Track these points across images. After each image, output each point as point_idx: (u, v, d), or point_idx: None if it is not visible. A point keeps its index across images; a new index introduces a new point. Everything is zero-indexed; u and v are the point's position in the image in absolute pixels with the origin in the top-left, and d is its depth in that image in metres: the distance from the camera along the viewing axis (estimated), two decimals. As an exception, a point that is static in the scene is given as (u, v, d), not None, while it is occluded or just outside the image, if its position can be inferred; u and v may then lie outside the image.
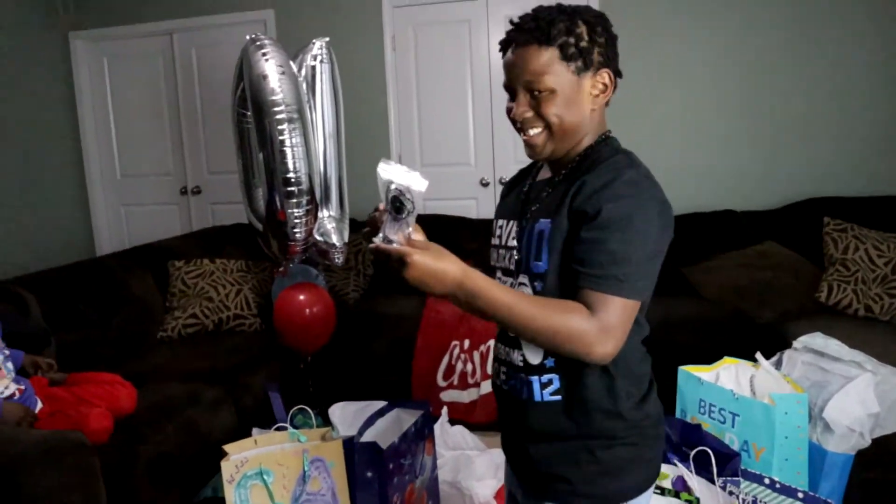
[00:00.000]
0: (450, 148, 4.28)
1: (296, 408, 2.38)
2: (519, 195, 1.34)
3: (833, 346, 2.30)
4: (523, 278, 1.22)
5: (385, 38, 4.24)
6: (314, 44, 2.88)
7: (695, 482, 1.92)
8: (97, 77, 4.80)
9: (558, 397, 1.20)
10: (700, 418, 2.17)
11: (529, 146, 1.23)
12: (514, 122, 1.23)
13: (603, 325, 1.07)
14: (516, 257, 1.24)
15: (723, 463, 1.95)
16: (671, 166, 3.97)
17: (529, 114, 1.19)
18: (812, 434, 2.15)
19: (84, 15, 4.63)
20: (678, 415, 2.24)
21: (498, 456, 2.42)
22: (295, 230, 2.69)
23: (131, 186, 4.89)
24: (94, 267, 3.37)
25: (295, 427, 2.07)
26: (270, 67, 2.53)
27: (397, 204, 1.06)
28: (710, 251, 3.59)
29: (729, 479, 1.94)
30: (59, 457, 1.88)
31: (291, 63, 2.68)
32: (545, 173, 1.32)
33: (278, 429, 2.07)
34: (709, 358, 2.32)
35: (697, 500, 1.83)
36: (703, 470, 1.94)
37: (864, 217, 3.37)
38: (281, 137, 2.54)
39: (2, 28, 4.24)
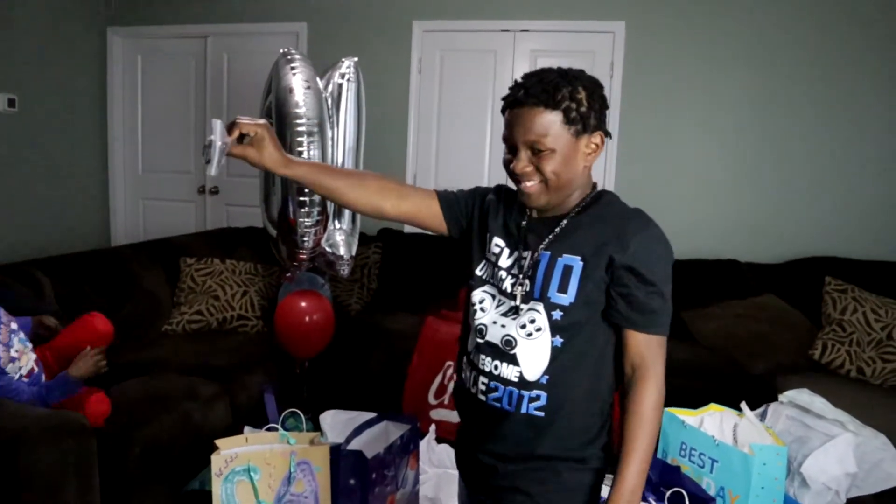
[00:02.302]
0: (464, 173, 4.36)
1: (288, 410, 2.44)
2: (516, 226, 1.42)
3: (818, 403, 2.34)
4: (536, 305, 1.31)
5: (412, 60, 4.35)
6: (343, 62, 2.97)
7: (668, 522, 1.96)
8: (130, 73, 4.93)
9: (541, 413, 1.31)
10: (680, 460, 2.21)
11: (526, 195, 1.32)
12: (511, 173, 1.32)
13: (658, 362, 1.30)
14: (527, 287, 1.33)
15: (697, 506, 1.99)
16: (681, 212, 4.04)
17: (529, 168, 1.29)
18: (789, 488, 2.19)
19: (124, 11, 4.77)
20: (659, 455, 2.27)
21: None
22: (304, 238, 2.77)
23: (151, 181, 5.00)
24: (108, 256, 3.46)
25: (286, 429, 2.13)
26: (297, 81, 2.62)
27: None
28: (710, 298, 3.64)
29: (702, 522, 1.98)
30: (60, 437, 1.95)
31: (318, 79, 2.78)
32: (537, 213, 1.40)
33: (269, 429, 2.12)
34: (697, 403, 2.36)
35: (668, 539, 1.87)
36: (677, 511, 1.98)
37: (865, 280, 3.41)
38: (300, 149, 2.62)
39: (43, 16, 4.38)
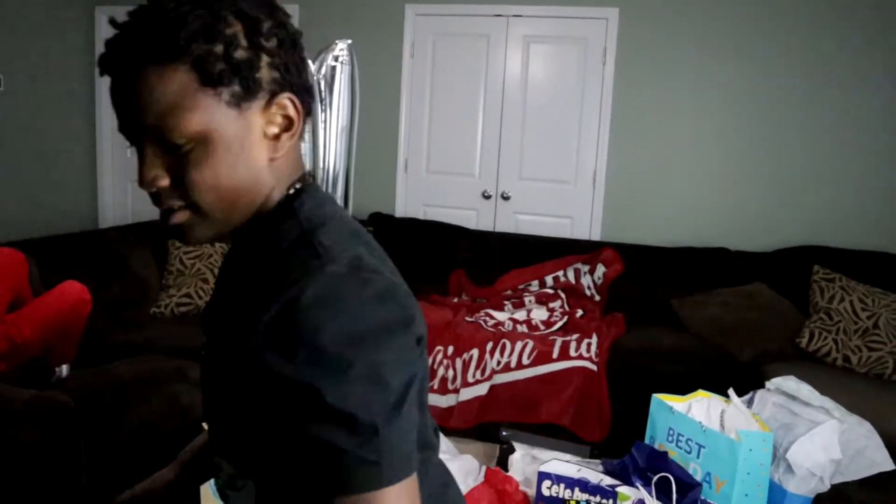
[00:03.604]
0: (456, 158, 4.35)
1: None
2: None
3: (804, 390, 2.36)
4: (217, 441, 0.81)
5: (405, 44, 4.32)
6: (336, 44, 2.94)
7: (654, 506, 1.97)
8: (119, 52, 4.87)
9: None
10: (667, 446, 2.23)
11: (179, 233, 0.75)
12: (151, 197, 0.74)
13: None
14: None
15: (684, 491, 2.00)
16: (673, 200, 4.05)
17: (165, 181, 0.72)
18: (774, 473, 2.21)
19: (113, -10, 4.71)
20: (647, 440, 2.29)
21: (469, 462, 2.48)
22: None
23: (140, 163, 4.96)
24: (96, 238, 3.44)
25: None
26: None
27: None
28: (699, 286, 3.65)
29: (688, 507, 2.00)
30: (44, 418, 1.94)
31: (309, 60, 2.75)
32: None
33: (258, 412, 2.12)
34: (685, 389, 2.38)
35: (655, 523, 1.89)
36: (663, 496, 2.00)
37: (853, 269, 3.44)
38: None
39: (32, -5, 4.32)
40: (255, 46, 0.72)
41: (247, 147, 0.72)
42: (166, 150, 0.70)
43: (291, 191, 0.79)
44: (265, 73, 0.72)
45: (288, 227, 0.75)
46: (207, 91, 0.69)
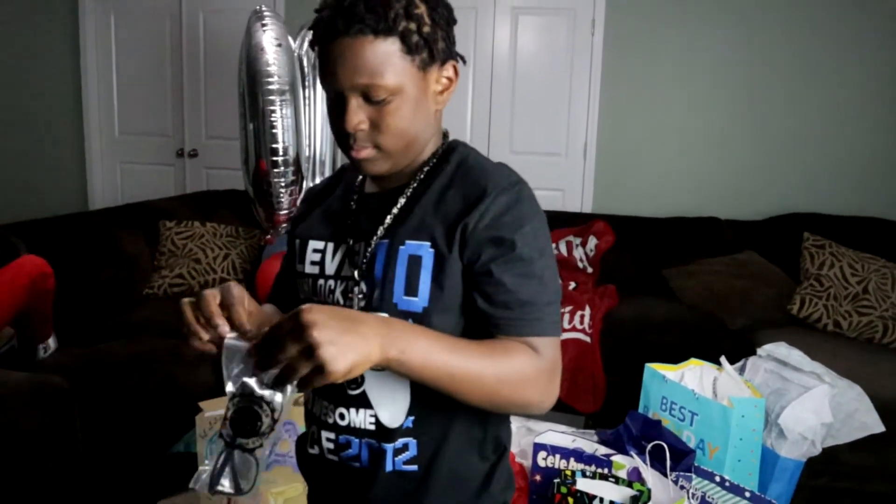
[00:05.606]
0: None
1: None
2: (343, 210, 1.07)
3: (795, 356, 2.38)
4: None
5: (392, 18, 4.27)
6: (320, 19, 2.93)
7: (648, 474, 1.99)
8: (103, 32, 4.80)
9: (414, 467, 0.97)
10: (661, 414, 2.25)
11: (363, 164, 0.97)
12: (340, 135, 0.97)
13: (550, 366, 0.92)
14: (363, 290, 0.98)
15: (678, 458, 2.02)
16: (662, 170, 4.05)
17: (366, 125, 0.93)
18: (766, 439, 2.24)
19: (94, -31, 4.64)
20: (641, 409, 2.31)
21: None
22: (280, 199, 2.75)
23: (128, 144, 4.91)
24: (86, 220, 3.42)
25: (270, 391, 2.14)
26: (268, 39, 2.59)
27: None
28: (691, 256, 3.66)
29: (682, 473, 2.02)
30: (39, 400, 1.94)
31: (290, 38, 2.73)
32: (373, 184, 1.07)
33: (253, 391, 2.13)
34: (678, 358, 2.39)
35: (649, 491, 1.91)
36: (657, 463, 2.02)
37: (842, 236, 3.45)
38: (271, 108, 2.60)
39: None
40: (435, 23, 0.93)
41: (423, 102, 0.96)
42: (368, 101, 0.91)
43: (450, 139, 1.06)
44: (440, 44, 0.95)
45: (475, 155, 1.04)
46: (406, 58, 0.91)
